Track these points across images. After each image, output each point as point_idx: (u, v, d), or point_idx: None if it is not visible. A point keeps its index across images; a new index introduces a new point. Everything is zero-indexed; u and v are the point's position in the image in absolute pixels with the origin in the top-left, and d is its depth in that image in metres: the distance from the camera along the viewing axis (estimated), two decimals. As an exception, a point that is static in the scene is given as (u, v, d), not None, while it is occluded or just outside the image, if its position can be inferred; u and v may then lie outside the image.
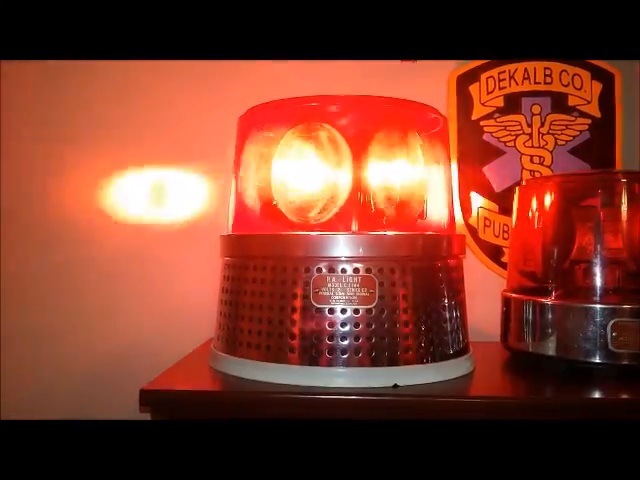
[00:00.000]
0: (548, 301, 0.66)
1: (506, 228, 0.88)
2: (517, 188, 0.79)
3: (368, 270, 0.59)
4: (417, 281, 0.61)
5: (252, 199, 0.68)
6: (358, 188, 0.62)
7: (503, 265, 0.88)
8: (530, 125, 0.89)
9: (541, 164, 0.88)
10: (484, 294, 0.81)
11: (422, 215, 0.68)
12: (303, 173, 0.64)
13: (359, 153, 0.63)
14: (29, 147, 0.91)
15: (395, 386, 0.57)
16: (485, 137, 0.89)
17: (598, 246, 0.67)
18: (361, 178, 0.63)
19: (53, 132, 0.91)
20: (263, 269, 0.61)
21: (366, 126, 0.65)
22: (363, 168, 0.63)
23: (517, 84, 0.89)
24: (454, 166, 0.88)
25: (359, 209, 0.63)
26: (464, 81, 0.89)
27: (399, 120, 0.67)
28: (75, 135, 0.91)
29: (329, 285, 0.59)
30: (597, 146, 0.88)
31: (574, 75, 0.88)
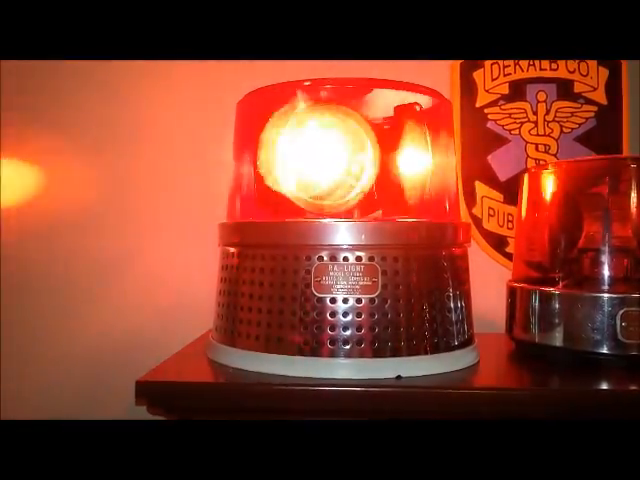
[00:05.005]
0: (555, 291, 0.65)
1: (511, 218, 0.87)
2: (523, 176, 0.77)
3: (371, 258, 0.57)
4: (421, 270, 0.59)
5: (252, 186, 0.66)
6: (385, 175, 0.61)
7: (507, 255, 0.86)
8: (535, 112, 0.87)
9: (546, 152, 0.87)
10: (488, 285, 0.80)
11: (427, 202, 0.66)
12: (322, 157, 0.62)
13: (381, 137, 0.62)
14: (29, 147, 0.91)
15: (398, 377, 0.56)
16: (489, 125, 0.87)
17: (606, 234, 0.65)
18: (387, 164, 0.61)
19: (53, 132, 0.90)
20: (262, 258, 0.60)
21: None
22: (387, 153, 0.62)
23: (522, 71, 0.87)
24: (457, 155, 0.86)
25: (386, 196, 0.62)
26: (468, 67, 0.88)
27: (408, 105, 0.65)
28: (75, 134, 0.90)
29: (331, 274, 0.57)
30: (603, 134, 0.86)
31: (580, 61, 0.86)
